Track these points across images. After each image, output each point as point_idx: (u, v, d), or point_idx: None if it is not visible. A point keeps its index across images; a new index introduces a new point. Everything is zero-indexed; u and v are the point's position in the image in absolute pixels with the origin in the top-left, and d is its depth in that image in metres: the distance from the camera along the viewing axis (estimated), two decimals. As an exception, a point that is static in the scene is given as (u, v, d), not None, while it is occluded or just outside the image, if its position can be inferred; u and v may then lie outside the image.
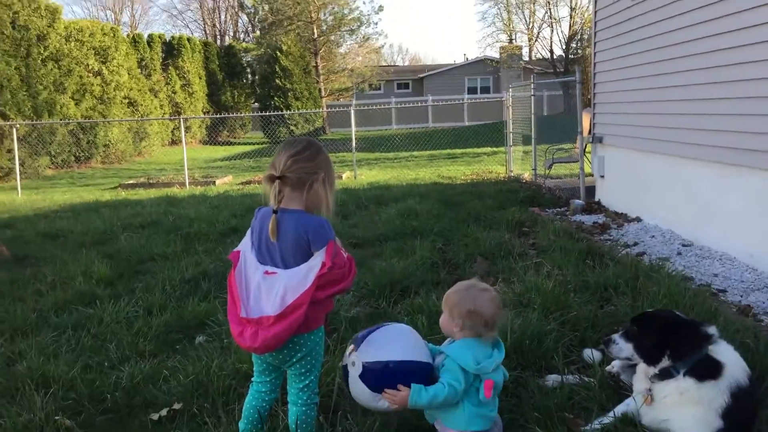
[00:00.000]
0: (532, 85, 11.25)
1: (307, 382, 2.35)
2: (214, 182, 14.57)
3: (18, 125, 15.35)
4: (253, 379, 2.45)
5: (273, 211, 2.26)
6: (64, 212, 9.62)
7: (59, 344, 3.70)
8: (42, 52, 18.56)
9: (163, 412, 2.85)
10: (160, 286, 4.83)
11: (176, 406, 2.89)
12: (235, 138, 31.39)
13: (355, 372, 2.35)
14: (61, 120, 18.15)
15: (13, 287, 5.07)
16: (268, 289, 2.23)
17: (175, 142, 27.16)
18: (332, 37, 34.05)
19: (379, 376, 2.32)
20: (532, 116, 11.13)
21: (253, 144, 27.70)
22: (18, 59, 17.37)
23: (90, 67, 21.26)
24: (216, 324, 3.97)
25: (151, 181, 15.25)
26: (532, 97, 11.17)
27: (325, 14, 33.45)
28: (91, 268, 5.45)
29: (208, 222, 7.74)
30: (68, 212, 9.57)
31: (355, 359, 2.36)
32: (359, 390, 2.36)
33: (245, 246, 2.35)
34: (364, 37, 34.84)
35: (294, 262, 2.25)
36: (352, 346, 2.43)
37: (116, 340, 3.76)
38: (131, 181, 15.48)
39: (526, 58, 38.54)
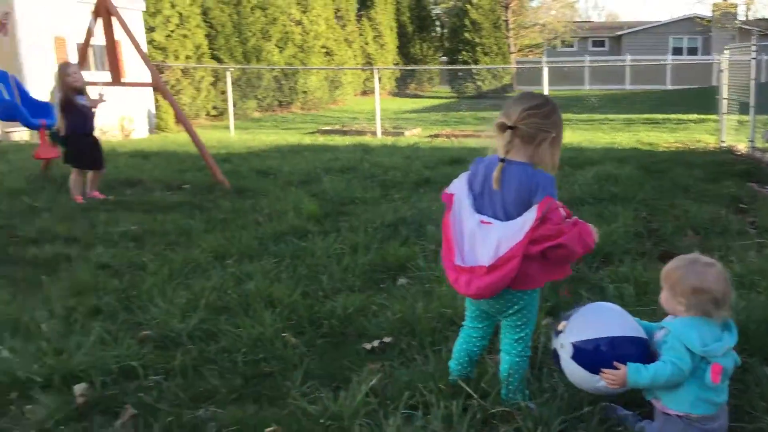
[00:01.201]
0: (753, 47, 10.14)
1: (522, 334, 2.39)
2: (403, 133, 14.96)
3: (231, 69, 16.73)
4: (464, 323, 2.54)
5: (500, 160, 2.28)
6: (271, 152, 10.42)
7: (279, 270, 4.07)
8: (251, 0, 19.91)
9: (375, 343, 3.06)
10: (362, 228, 5.10)
11: (386, 339, 3.09)
12: (422, 91, 31.77)
13: (566, 354, 2.32)
14: (267, 66, 19.48)
15: (236, 216, 5.63)
16: (483, 238, 2.26)
17: (365, 92, 28.11)
18: (526, -10, 32.92)
19: (592, 355, 2.26)
20: (752, 82, 10.07)
21: (440, 98, 27.89)
22: (230, 6, 18.78)
23: (292, 16, 22.47)
24: (416, 269, 4.15)
25: (345, 129, 16.00)
26: (753, 61, 10.08)
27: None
28: (301, 204, 5.90)
29: (402, 171, 7.99)
30: (275, 152, 10.35)
31: (564, 341, 2.33)
32: (575, 372, 2.32)
33: (459, 190, 2.37)
34: (560, -10, 33.30)
35: (514, 213, 2.27)
36: (560, 325, 2.40)
37: (327, 273, 4.06)
38: (327, 128, 16.35)
39: (743, 18, 34.64)
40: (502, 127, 2.30)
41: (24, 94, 6.24)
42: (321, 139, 13.38)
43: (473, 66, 23.79)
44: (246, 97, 19.34)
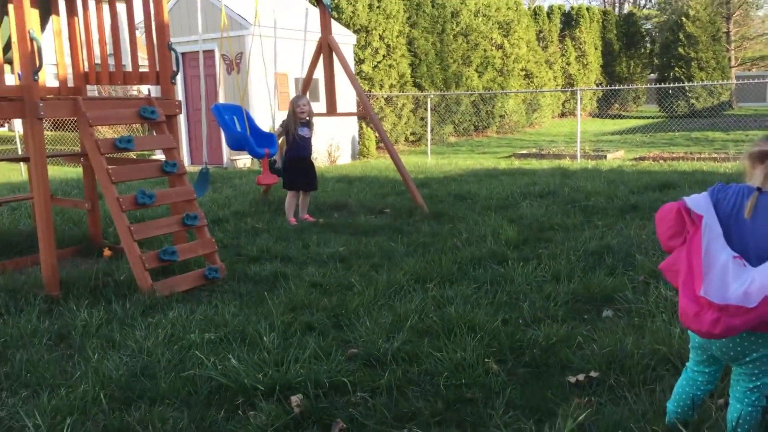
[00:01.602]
0: None
1: (758, 383, 2.16)
2: (605, 156, 14.31)
3: (432, 95, 17.22)
4: (687, 365, 2.36)
5: (757, 189, 2.08)
6: (467, 176, 10.52)
7: (479, 296, 4.09)
8: (454, 28, 20.36)
9: (580, 376, 2.94)
10: (564, 255, 4.96)
11: (593, 373, 2.95)
12: (626, 111, 30.20)
13: None
14: (465, 91, 19.76)
15: (435, 240, 5.76)
16: (736, 274, 2.02)
17: (564, 114, 27.35)
18: (751, -1, 30.03)
19: None
20: None
21: (646, 118, 26.30)
22: (434, 35, 19.36)
23: (493, 41, 22.58)
24: (624, 301, 3.93)
25: (542, 152, 15.68)
26: None
27: (744, -28, 29.62)
28: (499, 230, 5.88)
29: (606, 196, 7.65)
30: (471, 177, 10.44)
31: None
32: None
33: (708, 215, 2.12)
34: (792, -3, 29.92)
35: (765, 248, 2.05)
36: None
37: (528, 301, 4.00)
38: (524, 151, 16.14)
39: None
40: (763, 156, 2.10)
41: (252, 126, 6.95)
42: (517, 163, 13.25)
43: (685, 83, 22.09)
44: (443, 123, 19.76)
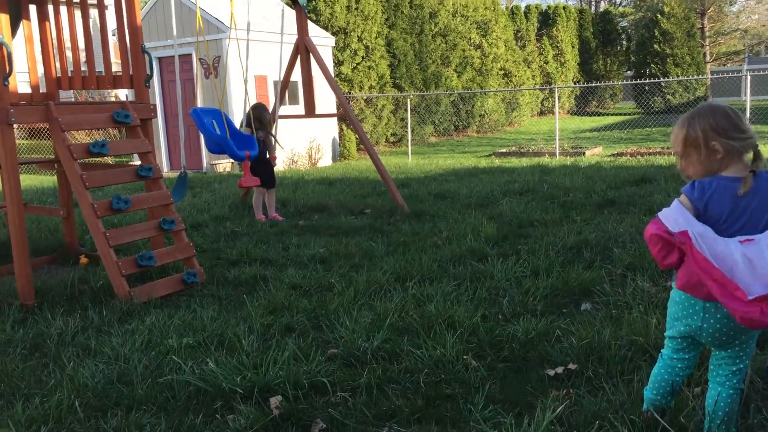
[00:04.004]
0: None
1: (741, 365, 2.18)
2: (583, 153, 14.43)
3: (411, 96, 17.24)
4: (663, 352, 2.36)
5: (751, 171, 2.08)
6: (448, 176, 10.55)
7: (459, 293, 4.09)
8: (432, 28, 20.42)
9: (559, 369, 2.95)
10: (543, 251, 4.98)
11: (571, 366, 2.96)
12: (603, 108, 30.46)
13: None
14: (445, 91, 19.82)
15: (415, 239, 5.75)
16: (758, 256, 1.98)
17: (543, 112, 27.54)
18: (724, -5, 30.42)
19: None
20: None
21: (624, 114, 26.54)
22: (413, 36, 19.40)
23: (472, 41, 22.68)
24: (602, 293, 3.96)
25: (522, 150, 15.78)
26: None
27: (717, -31, 29.99)
28: (479, 227, 5.89)
29: (584, 192, 7.70)
30: (452, 176, 10.46)
31: None
32: None
33: (690, 223, 2.06)
34: (764, -8, 30.38)
35: (757, 218, 2.06)
36: None
37: (508, 296, 4.01)
38: (503, 150, 16.23)
39: None
40: (739, 152, 2.11)
41: (232, 129, 6.92)
42: (497, 162, 13.30)
43: (662, 79, 22.31)
44: (424, 123, 19.80)
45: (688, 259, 2.04)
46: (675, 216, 2.08)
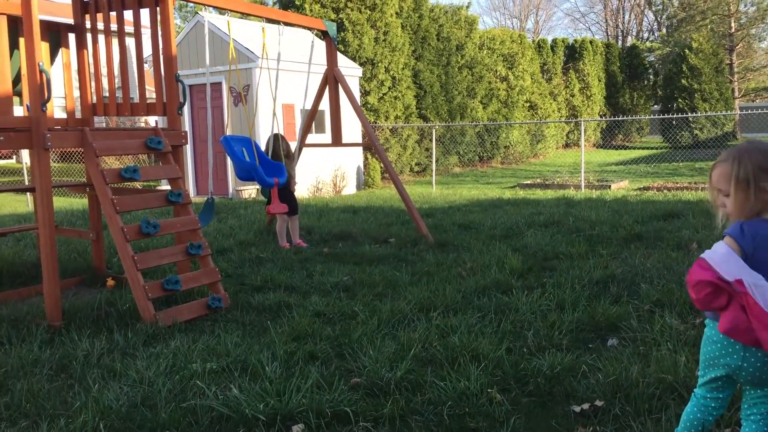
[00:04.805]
0: None
1: None
2: (609, 186, 14.32)
3: (437, 126, 17.33)
4: (696, 392, 2.32)
5: None
6: (472, 206, 10.53)
7: (483, 325, 4.06)
8: (459, 60, 20.58)
9: (585, 405, 2.90)
10: (569, 284, 4.93)
11: (597, 402, 2.91)
12: (630, 142, 30.32)
13: None
14: (470, 122, 19.89)
15: (440, 269, 5.74)
16: None
17: (568, 144, 27.48)
18: (753, 31, 30.32)
19: None
20: None
21: (650, 149, 26.38)
22: (439, 67, 19.57)
23: (498, 73, 22.81)
24: (629, 329, 3.90)
25: (546, 182, 15.71)
26: None
27: (745, 5, 29.92)
28: (504, 259, 5.86)
29: (610, 226, 7.63)
30: (476, 206, 10.45)
31: None
32: None
33: (742, 271, 2.02)
34: (794, 29, 30.20)
35: None
36: None
37: (533, 329, 3.96)
38: (528, 182, 16.18)
39: None
40: None
41: (261, 156, 7.03)
42: (521, 193, 13.26)
43: (689, 114, 22.16)
44: (448, 153, 19.86)
45: (737, 306, 1.99)
46: (727, 262, 2.04)
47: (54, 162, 18.66)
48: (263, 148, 7.54)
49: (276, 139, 7.43)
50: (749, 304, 1.97)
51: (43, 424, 2.89)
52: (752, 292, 1.97)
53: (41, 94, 4.47)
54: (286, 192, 7.37)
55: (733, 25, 29.25)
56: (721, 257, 2.04)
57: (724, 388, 2.23)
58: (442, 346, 3.67)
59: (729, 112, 21.45)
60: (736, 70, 29.40)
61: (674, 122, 24.21)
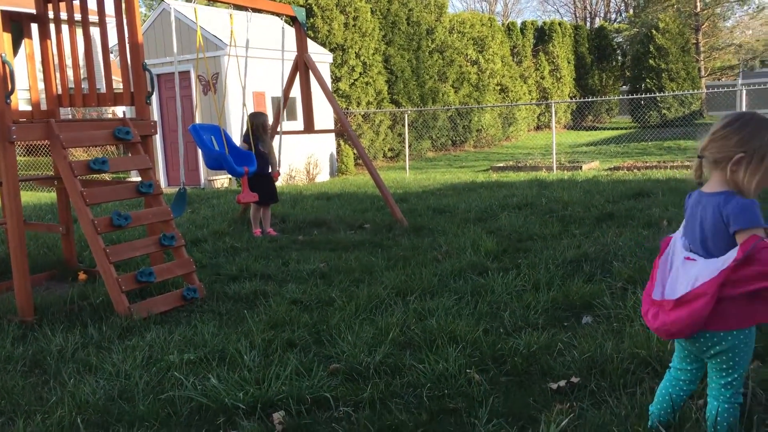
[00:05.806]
0: None
1: (729, 379, 2.18)
2: (580, 167, 14.47)
3: (409, 111, 17.32)
4: (671, 365, 2.37)
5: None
6: (446, 190, 10.57)
7: (460, 307, 4.10)
8: (429, 44, 20.55)
9: (561, 382, 2.95)
10: (543, 264, 4.99)
11: (574, 379, 2.96)
12: (600, 123, 30.61)
13: None
14: (442, 107, 19.91)
15: (415, 253, 5.76)
16: (684, 274, 2.16)
17: (539, 127, 27.66)
18: (718, 10, 30.72)
19: None
20: None
21: (620, 129, 26.68)
22: (410, 52, 19.52)
23: (468, 57, 22.82)
24: (603, 306, 3.96)
25: (519, 165, 15.82)
26: None
27: (711, -15, 30.29)
28: (478, 241, 5.90)
29: (582, 206, 7.72)
30: (450, 190, 10.49)
31: None
32: None
33: (678, 232, 2.31)
34: (758, 7, 30.66)
35: (712, 248, 2.11)
36: None
37: (509, 310, 4.01)
38: (501, 164, 16.27)
39: None
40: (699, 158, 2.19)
41: (231, 145, 6.95)
42: (495, 176, 13.34)
43: (657, 93, 22.43)
44: (421, 138, 19.87)
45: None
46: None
47: (20, 156, 18.28)
48: (244, 133, 7.40)
49: (263, 116, 7.37)
50: (657, 258, 2.28)
51: (18, 421, 2.85)
52: (671, 244, 2.29)
53: (5, 86, 4.37)
54: (267, 180, 7.32)
55: (698, 4, 29.60)
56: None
57: (691, 360, 2.29)
58: (419, 329, 3.69)
59: (696, 91, 21.78)
60: (702, 49, 29.77)
61: (642, 102, 24.50)
